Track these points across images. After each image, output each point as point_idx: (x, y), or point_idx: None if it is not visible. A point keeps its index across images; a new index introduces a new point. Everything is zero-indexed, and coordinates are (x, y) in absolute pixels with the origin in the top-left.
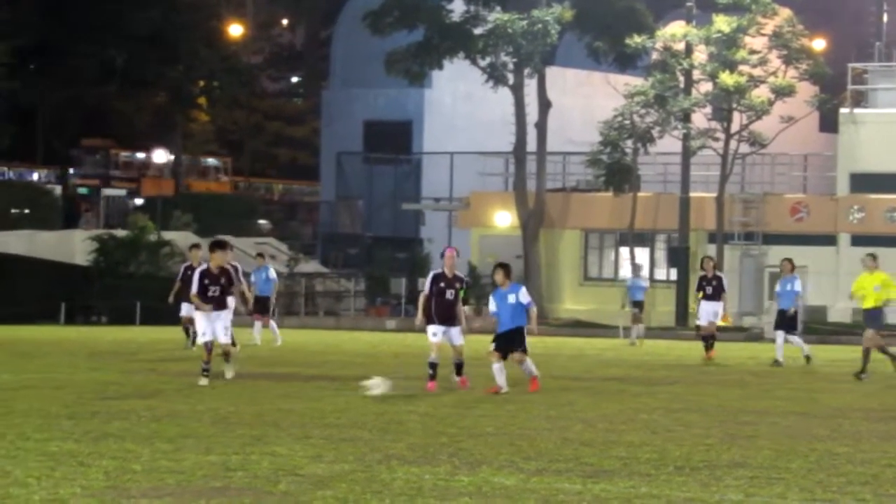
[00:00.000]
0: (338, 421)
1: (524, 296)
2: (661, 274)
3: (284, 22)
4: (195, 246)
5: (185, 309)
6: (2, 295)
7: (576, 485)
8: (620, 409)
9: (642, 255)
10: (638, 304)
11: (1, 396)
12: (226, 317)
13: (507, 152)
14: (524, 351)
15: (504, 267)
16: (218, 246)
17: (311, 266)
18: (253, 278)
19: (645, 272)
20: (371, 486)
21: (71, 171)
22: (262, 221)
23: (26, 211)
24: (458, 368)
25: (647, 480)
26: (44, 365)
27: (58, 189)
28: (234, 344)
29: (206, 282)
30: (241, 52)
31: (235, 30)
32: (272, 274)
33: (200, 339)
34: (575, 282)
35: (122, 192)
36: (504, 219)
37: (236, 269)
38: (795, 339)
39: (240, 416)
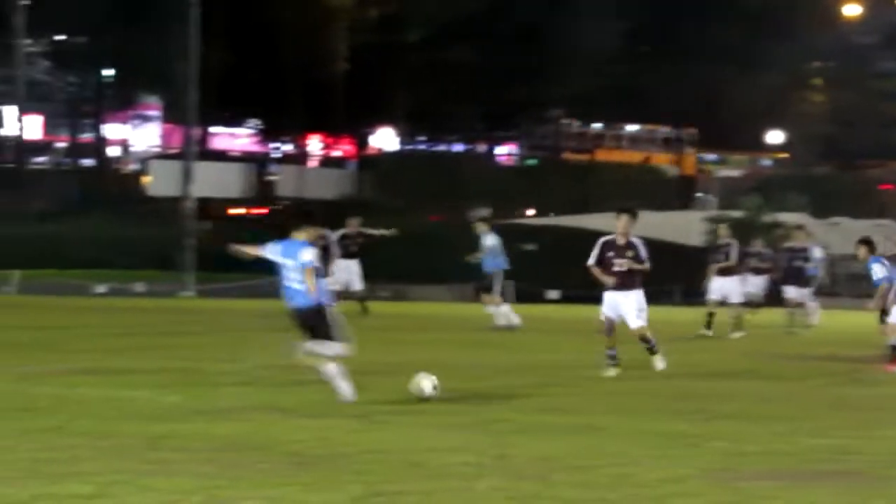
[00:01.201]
0: None
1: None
2: None
3: None
4: (799, 227)
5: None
6: None
7: None
8: None
9: None
10: None
11: (624, 386)
12: (636, 297)
13: None
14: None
15: (866, 243)
16: (626, 211)
17: None
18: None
19: None
20: None
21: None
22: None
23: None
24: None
25: None
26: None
27: (674, 170)
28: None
29: (610, 254)
30: (857, 32)
31: (851, 9)
32: (818, 254)
33: (602, 317)
34: None
35: (736, 173)
36: None
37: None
38: None
39: (850, 399)
